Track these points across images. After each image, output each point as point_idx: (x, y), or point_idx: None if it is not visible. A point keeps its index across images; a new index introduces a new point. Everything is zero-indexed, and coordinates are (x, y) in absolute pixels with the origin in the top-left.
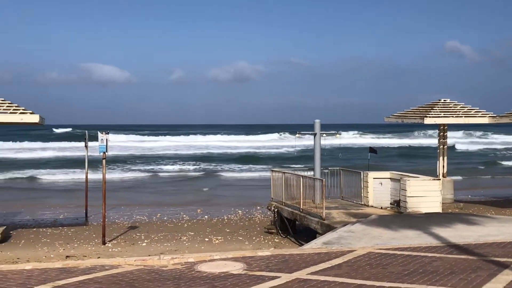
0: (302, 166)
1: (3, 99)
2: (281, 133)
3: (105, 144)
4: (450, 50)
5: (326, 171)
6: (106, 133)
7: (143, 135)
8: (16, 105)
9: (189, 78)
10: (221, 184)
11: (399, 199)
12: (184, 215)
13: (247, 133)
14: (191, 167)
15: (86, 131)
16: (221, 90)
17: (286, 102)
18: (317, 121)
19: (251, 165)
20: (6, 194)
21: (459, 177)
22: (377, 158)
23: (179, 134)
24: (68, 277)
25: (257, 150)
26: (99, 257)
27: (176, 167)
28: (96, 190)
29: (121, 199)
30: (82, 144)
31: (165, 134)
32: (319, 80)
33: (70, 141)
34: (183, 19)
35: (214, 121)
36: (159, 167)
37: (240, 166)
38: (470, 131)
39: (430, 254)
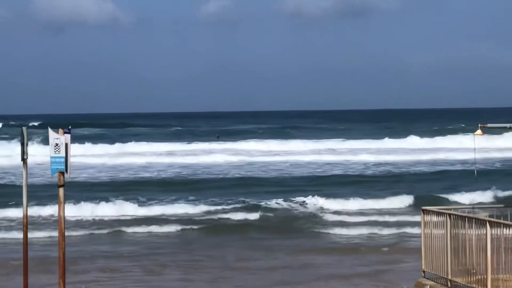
0: (489, 200)
1: None
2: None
3: (63, 154)
4: None
5: None
6: (65, 132)
7: (142, 138)
8: None
9: (241, 13)
10: (316, 246)
11: None
12: None
13: (359, 135)
14: (246, 214)
15: (24, 128)
16: (305, 37)
17: (446, 59)
18: None
19: (371, 205)
20: None
21: None
22: None
23: (218, 137)
24: None
25: (383, 169)
26: None
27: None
28: (45, 257)
29: (97, 273)
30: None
31: (180, 137)
32: None
33: None
34: None
35: (287, 106)
36: (173, 208)
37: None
38: None
39: None
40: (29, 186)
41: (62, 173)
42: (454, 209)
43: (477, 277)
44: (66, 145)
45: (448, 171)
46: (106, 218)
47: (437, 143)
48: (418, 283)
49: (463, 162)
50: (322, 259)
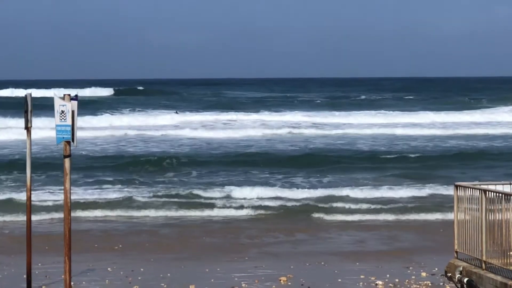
0: None
1: None
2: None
3: (69, 122)
4: None
5: None
6: (72, 99)
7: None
8: None
9: None
10: (335, 225)
11: None
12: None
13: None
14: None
15: (28, 95)
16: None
17: (480, 25)
18: None
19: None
20: None
21: None
22: None
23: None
24: None
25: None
26: None
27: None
28: (48, 234)
29: (107, 253)
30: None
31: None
32: None
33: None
34: None
35: (301, 73)
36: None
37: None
38: None
39: None
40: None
41: (68, 142)
42: (490, 184)
43: None
44: (73, 112)
45: None
46: (114, 200)
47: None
48: (451, 264)
49: None
50: (344, 237)
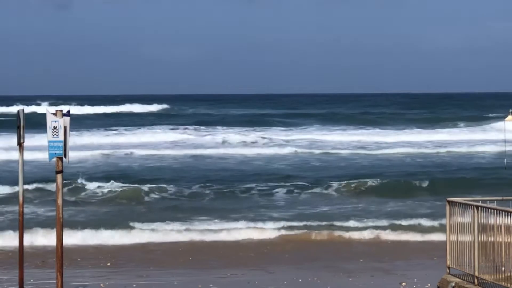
0: None
1: None
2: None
3: (61, 138)
4: None
5: None
6: (64, 115)
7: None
8: None
9: None
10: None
11: None
12: None
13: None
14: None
15: (20, 110)
16: (324, 12)
17: (473, 39)
18: None
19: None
20: None
21: None
22: None
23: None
24: None
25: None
26: None
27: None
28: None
29: (100, 269)
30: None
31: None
32: None
33: None
34: None
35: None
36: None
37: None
38: None
39: None
40: None
41: (60, 158)
42: (482, 200)
43: (506, 274)
44: (65, 128)
45: None
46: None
47: None
48: (443, 280)
49: None
50: (336, 254)
